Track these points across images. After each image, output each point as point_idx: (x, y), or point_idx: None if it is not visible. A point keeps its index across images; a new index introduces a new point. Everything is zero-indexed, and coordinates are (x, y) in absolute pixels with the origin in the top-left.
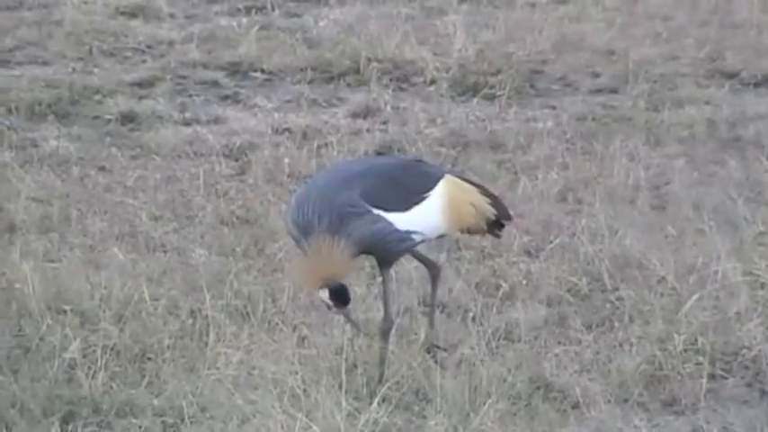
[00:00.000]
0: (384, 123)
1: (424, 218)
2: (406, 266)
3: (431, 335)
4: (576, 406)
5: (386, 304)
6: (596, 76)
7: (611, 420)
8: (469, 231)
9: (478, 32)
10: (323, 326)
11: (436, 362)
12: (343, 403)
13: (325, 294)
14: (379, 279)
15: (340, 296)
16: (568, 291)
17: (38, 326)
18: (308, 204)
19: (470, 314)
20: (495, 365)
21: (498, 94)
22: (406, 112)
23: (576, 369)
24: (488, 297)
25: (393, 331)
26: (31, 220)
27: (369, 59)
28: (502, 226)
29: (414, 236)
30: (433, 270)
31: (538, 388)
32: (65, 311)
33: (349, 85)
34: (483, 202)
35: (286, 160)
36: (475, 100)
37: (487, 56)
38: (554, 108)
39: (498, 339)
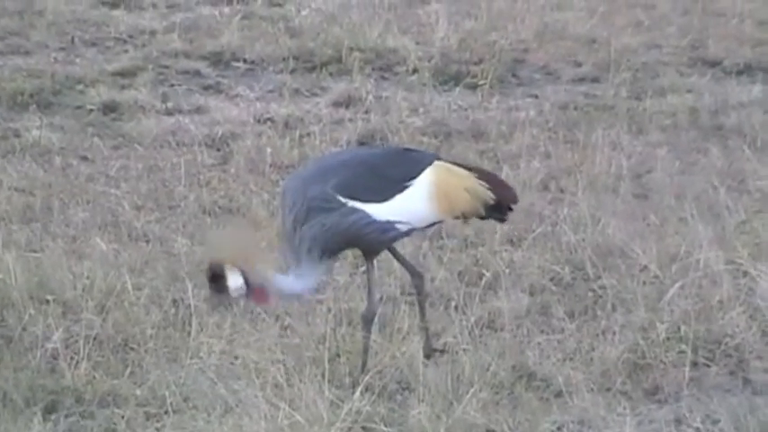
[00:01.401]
0: (366, 113)
1: (407, 207)
2: (389, 257)
3: (427, 345)
4: (559, 394)
5: (369, 293)
6: (578, 64)
7: (594, 409)
8: (465, 217)
9: (461, 21)
10: (305, 315)
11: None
12: (326, 392)
13: (237, 278)
14: (362, 269)
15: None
16: (551, 279)
17: (20, 316)
18: (286, 195)
19: (453, 303)
20: (477, 354)
21: (480, 83)
22: (388, 102)
23: (559, 358)
24: (471, 286)
25: (375, 320)
26: (13, 211)
27: (351, 48)
28: (508, 209)
29: (398, 225)
30: (416, 279)
31: (521, 377)
32: (47, 301)
33: (331, 74)
34: (479, 187)
35: (268, 150)
36: (457, 89)
37: (470, 45)
38: (536, 97)
39: (481, 328)
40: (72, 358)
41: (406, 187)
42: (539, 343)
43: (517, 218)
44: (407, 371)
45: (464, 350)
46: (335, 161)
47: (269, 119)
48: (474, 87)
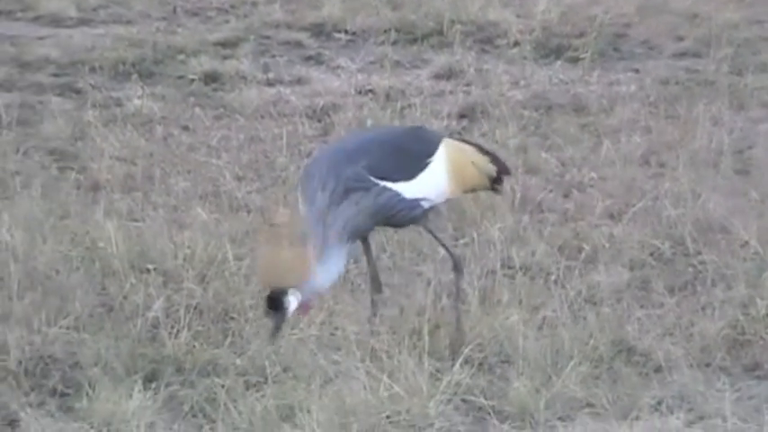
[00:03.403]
0: (467, 85)
1: (430, 184)
2: (490, 229)
3: (459, 336)
4: (658, 369)
5: (372, 276)
6: (680, 39)
7: (693, 384)
8: (473, 190)
9: None
10: (405, 287)
11: None
12: (426, 364)
13: (296, 299)
14: (462, 241)
15: (276, 305)
16: (651, 254)
17: (121, 285)
18: (316, 176)
19: (552, 277)
20: (577, 328)
21: (581, 56)
22: (488, 75)
23: (659, 333)
24: (571, 260)
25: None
26: (114, 180)
27: (452, 21)
28: (501, 181)
29: (422, 203)
30: (458, 262)
31: (620, 351)
32: (148, 270)
33: (432, 46)
34: (483, 161)
35: (369, 121)
36: (558, 63)
37: (571, 18)
38: (637, 71)
39: (581, 302)
40: (173, 327)
41: (428, 164)
42: (638, 318)
43: (617, 192)
44: (507, 344)
45: (563, 324)
46: (359, 142)
47: (370, 90)
48: (575, 61)
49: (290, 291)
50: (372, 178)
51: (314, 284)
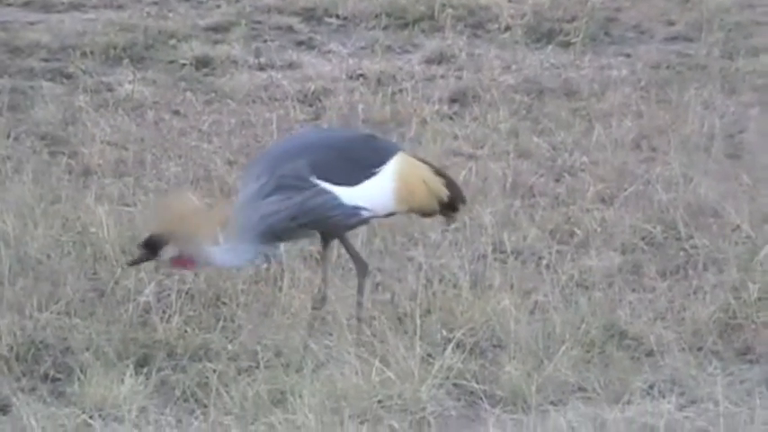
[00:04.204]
0: (458, 70)
1: (373, 194)
2: (481, 213)
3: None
4: (650, 354)
5: (324, 279)
6: (671, 23)
7: (685, 368)
8: (420, 211)
9: None
10: (396, 271)
11: None
12: (418, 349)
13: (173, 250)
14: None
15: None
16: (643, 238)
17: (113, 270)
18: (256, 167)
19: (544, 261)
20: (569, 313)
21: (573, 41)
22: (480, 59)
23: (651, 317)
24: (562, 244)
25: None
26: (105, 164)
27: (443, 5)
28: (455, 209)
29: (362, 212)
30: (362, 268)
31: (612, 335)
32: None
33: (423, 31)
34: (436, 182)
35: (360, 106)
36: (549, 47)
37: (562, 2)
38: (628, 56)
39: (572, 287)
40: (164, 312)
41: (374, 174)
42: (630, 302)
43: (609, 176)
44: (499, 328)
45: (555, 308)
46: (305, 141)
47: (361, 75)
48: (566, 46)
49: (170, 242)
50: (311, 177)
51: (208, 252)
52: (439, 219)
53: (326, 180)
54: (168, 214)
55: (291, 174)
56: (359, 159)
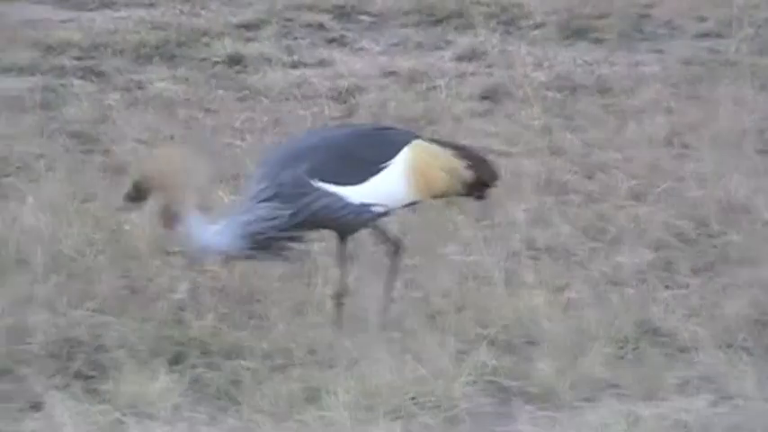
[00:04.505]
0: (490, 67)
1: (382, 189)
2: (514, 211)
3: (384, 318)
4: (683, 350)
5: (341, 274)
6: (702, 20)
7: (717, 364)
8: (444, 196)
9: None
10: (430, 268)
11: None
12: (451, 346)
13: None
14: (485, 222)
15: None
16: (675, 235)
17: (146, 267)
18: (262, 169)
19: (577, 258)
20: (601, 310)
21: (605, 38)
22: (512, 56)
23: (683, 313)
24: (595, 241)
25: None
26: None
27: (475, 2)
28: (487, 186)
29: (373, 208)
30: (395, 247)
31: (645, 332)
32: (173, 253)
33: (455, 28)
34: (458, 165)
35: (392, 103)
36: (581, 44)
37: None
38: (660, 52)
39: (605, 284)
40: (198, 310)
41: (382, 169)
42: (663, 298)
43: (641, 173)
44: (531, 325)
45: (588, 305)
46: (308, 144)
47: (393, 72)
48: (598, 42)
49: (160, 191)
50: (312, 182)
51: (191, 219)
52: (472, 205)
53: (329, 182)
54: (157, 164)
55: (291, 182)
56: (363, 157)
